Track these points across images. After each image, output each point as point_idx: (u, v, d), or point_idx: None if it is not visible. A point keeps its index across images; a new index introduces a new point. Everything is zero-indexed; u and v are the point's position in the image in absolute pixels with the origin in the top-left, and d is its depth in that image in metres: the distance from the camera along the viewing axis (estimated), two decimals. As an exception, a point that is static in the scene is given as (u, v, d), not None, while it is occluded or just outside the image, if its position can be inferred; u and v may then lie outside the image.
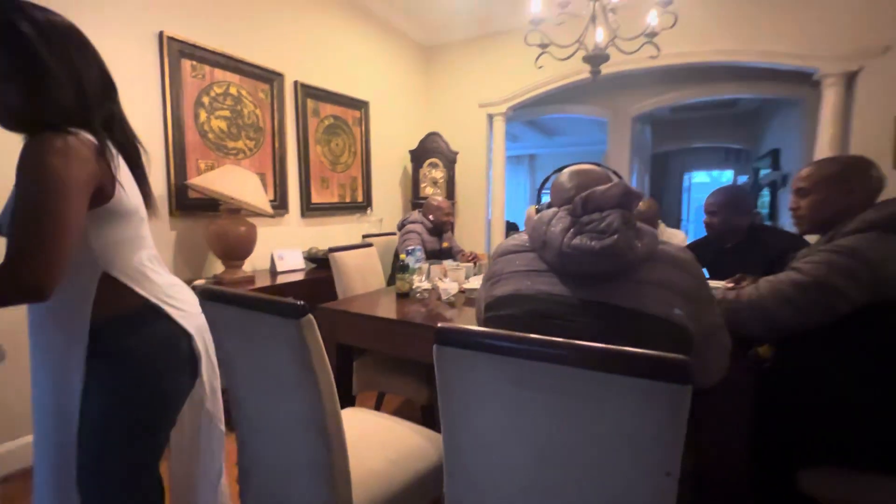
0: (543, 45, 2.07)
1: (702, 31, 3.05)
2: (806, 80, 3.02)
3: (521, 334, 0.58)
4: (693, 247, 2.12)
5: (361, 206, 3.56)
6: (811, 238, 1.35)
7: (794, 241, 1.79)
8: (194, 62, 2.32)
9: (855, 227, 1.08)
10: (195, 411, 1.04)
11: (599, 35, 2.00)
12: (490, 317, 0.95)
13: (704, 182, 9.88)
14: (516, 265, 0.95)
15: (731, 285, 1.67)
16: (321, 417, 0.85)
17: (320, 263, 2.79)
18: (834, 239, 1.12)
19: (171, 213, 2.25)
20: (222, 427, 1.09)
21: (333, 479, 0.88)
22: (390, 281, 2.47)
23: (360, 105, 3.50)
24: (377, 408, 2.08)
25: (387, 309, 1.76)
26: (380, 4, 3.55)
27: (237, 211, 2.29)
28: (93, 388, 0.85)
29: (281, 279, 2.49)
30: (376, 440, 1.17)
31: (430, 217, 2.63)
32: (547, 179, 1.40)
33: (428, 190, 3.90)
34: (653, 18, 1.93)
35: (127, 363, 0.87)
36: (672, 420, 0.51)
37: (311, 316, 0.81)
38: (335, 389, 0.87)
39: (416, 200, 3.88)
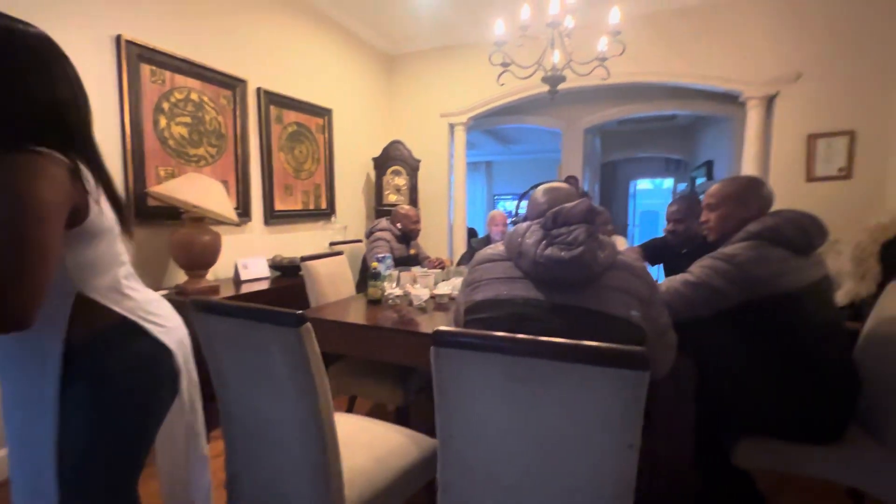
0: (505, 64, 2.21)
1: (645, 55, 3.34)
2: (734, 100, 3.38)
3: (511, 335, 0.68)
4: (653, 248, 2.29)
5: (325, 213, 3.55)
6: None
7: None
8: (154, 67, 2.26)
9: (740, 236, 1.30)
10: (177, 427, 1.03)
11: (556, 57, 2.16)
12: (471, 319, 1.05)
13: (648, 189, 10.58)
14: (494, 273, 1.05)
15: None
16: (318, 420, 0.91)
17: (285, 271, 2.78)
18: (726, 247, 1.32)
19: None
20: (205, 441, 1.09)
21: (328, 478, 0.93)
22: (359, 288, 2.51)
23: (324, 112, 3.51)
24: (349, 411, 2.11)
25: (360, 315, 1.82)
26: (343, 13, 3.58)
27: (200, 219, 2.25)
28: (70, 412, 0.83)
29: (246, 288, 2.46)
30: (361, 441, 1.22)
31: (399, 225, 2.69)
32: (525, 193, 1.52)
33: (391, 197, 3.96)
34: (603, 45, 2.12)
35: (106, 384, 0.85)
36: (634, 400, 0.63)
37: (309, 324, 0.87)
38: (329, 393, 0.93)
39: (379, 207, 3.92)
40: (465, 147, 4.23)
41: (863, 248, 2.28)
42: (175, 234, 2.20)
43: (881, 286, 2.26)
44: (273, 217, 3.06)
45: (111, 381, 0.86)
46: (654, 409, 1.19)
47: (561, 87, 3.22)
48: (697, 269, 1.30)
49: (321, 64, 3.47)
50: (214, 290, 2.28)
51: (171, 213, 2.27)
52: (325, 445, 0.92)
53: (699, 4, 3.20)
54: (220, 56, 2.62)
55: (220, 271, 2.65)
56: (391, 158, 3.96)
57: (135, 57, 2.16)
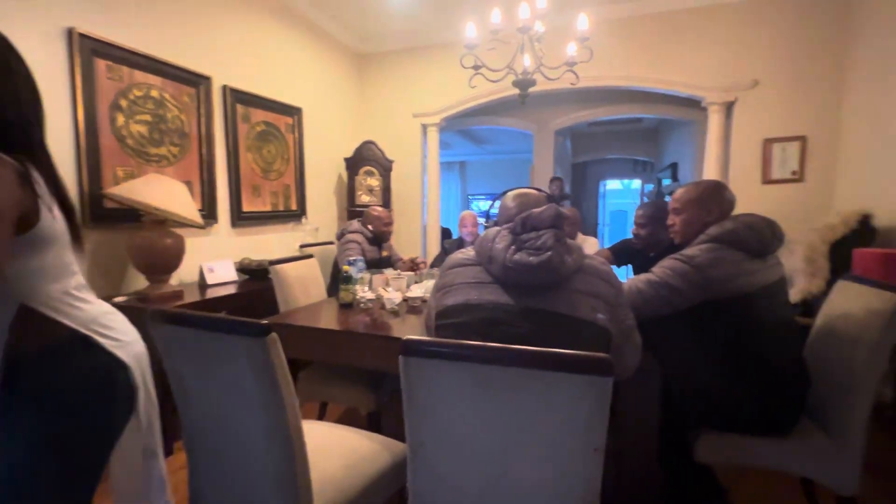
0: (476, 67, 2.22)
1: (612, 60, 3.43)
2: (697, 105, 3.51)
3: (479, 343, 0.68)
4: (622, 248, 2.34)
5: (296, 214, 3.48)
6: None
7: None
8: (110, 62, 2.15)
9: (701, 239, 1.37)
10: (133, 449, 0.97)
11: (527, 61, 2.19)
12: (442, 324, 1.05)
13: (617, 189, 10.87)
14: (465, 277, 1.05)
15: None
16: (286, 431, 0.89)
17: (254, 275, 2.70)
18: (687, 249, 1.38)
19: (83, 225, 2.06)
20: (163, 461, 1.04)
21: (297, 491, 0.91)
22: (331, 291, 2.47)
23: (293, 111, 3.43)
24: (320, 417, 2.08)
25: (332, 320, 1.79)
26: (313, 10, 3.51)
27: (162, 222, 2.16)
28: (12, 433, 0.78)
29: (212, 293, 2.38)
30: (331, 448, 1.20)
31: (370, 227, 2.66)
32: (496, 199, 1.54)
33: (364, 198, 3.91)
34: (572, 50, 2.16)
35: (53, 401, 0.80)
36: (599, 406, 0.64)
37: (275, 334, 0.85)
38: (297, 402, 0.91)
39: (351, 208, 3.87)
40: (438, 147, 4.22)
41: (813, 248, 2.42)
42: (135, 238, 2.10)
43: (830, 283, 2.41)
44: (241, 219, 2.97)
45: (60, 399, 0.81)
46: (620, 408, 1.22)
47: (532, 90, 3.27)
48: (659, 269, 1.34)
49: (290, 62, 3.40)
50: (178, 295, 2.19)
51: (131, 216, 2.17)
52: (293, 457, 0.90)
53: (664, 12, 3.30)
54: (184, 52, 2.53)
55: (184, 275, 2.56)
56: (364, 159, 3.91)
57: (89, 51, 2.06)
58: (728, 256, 1.30)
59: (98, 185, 2.11)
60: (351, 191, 3.93)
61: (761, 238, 1.33)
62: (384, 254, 2.80)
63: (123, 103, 2.22)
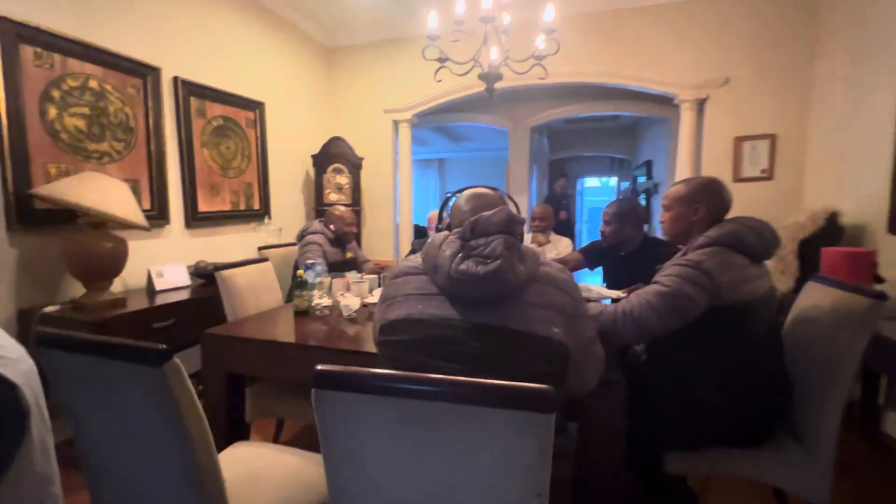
0: (442, 60, 2.11)
1: (585, 56, 3.37)
2: (670, 102, 3.48)
3: (401, 373, 0.58)
4: (592, 249, 2.27)
5: (258, 214, 3.31)
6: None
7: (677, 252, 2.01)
8: (38, 49, 1.96)
9: (701, 242, 1.27)
10: (25, 476, 0.85)
11: (494, 54, 2.09)
12: (383, 341, 0.94)
13: (596, 186, 10.94)
14: (409, 288, 0.95)
15: (625, 294, 1.84)
16: (196, 472, 0.77)
17: (211, 279, 2.53)
18: (687, 253, 1.30)
19: (9, 228, 1.88)
20: (58, 490, 0.91)
21: (212, 535, 0.80)
22: (291, 296, 2.33)
23: (255, 106, 3.26)
24: (277, 433, 1.95)
25: (284, 330, 1.66)
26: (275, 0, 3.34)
27: (101, 224, 1.98)
28: None
29: (161, 299, 2.21)
30: (268, 477, 1.09)
31: (332, 227, 2.53)
32: (448, 200, 1.42)
33: (332, 196, 3.77)
34: (540, 43, 2.07)
35: None
36: (539, 446, 0.55)
37: (176, 361, 0.72)
38: (210, 438, 0.79)
39: (319, 207, 3.72)
40: (409, 144, 4.10)
41: (783, 246, 2.39)
42: (70, 242, 1.93)
43: (800, 281, 2.40)
44: (196, 219, 2.80)
45: None
46: (585, 420, 1.14)
47: (503, 85, 3.17)
48: (666, 278, 1.22)
49: (251, 53, 3.22)
50: (119, 303, 2.02)
51: (65, 218, 1.99)
52: (208, 497, 0.78)
53: (636, 7, 3.25)
54: (128, 40, 2.34)
55: (131, 280, 2.38)
56: (332, 156, 3.76)
57: (12, 36, 1.87)
58: (734, 261, 1.21)
59: (27, 183, 1.93)
60: (319, 189, 3.78)
61: (764, 242, 1.25)
62: (349, 255, 2.67)
63: (56, 94, 2.03)
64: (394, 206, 4.12)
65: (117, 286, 2.26)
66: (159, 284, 2.37)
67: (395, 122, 4.03)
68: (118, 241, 2.04)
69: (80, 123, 2.14)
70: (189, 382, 0.76)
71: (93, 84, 2.19)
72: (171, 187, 2.63)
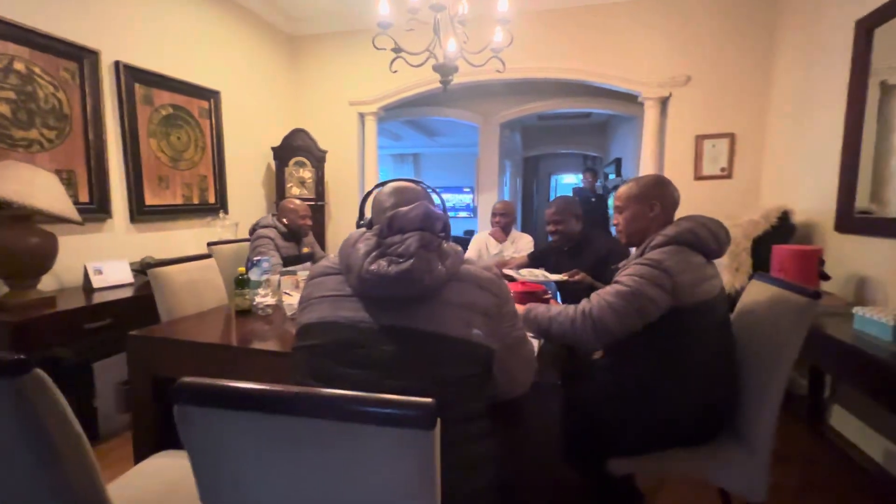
0: (396, 50, 2.04)
1: (552, 52, 3.35)
2: (636, 100, 3.49)
3: (268, 387, 0.52)
4: (538, 255, 2.31)
5: (214, 208, 3.18)
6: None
7: (615, 244, 2.04)
8: (-48, 26, 1.80)
9: (659, 241, 1.24)
10: None
11: (452, 46, 2.03)
12: (298, 347, 0.88)
13: (572, 183, 11.03)
14: (325, 289, 0.88)
15: (566, 277, 1.85)
16: (71, 494, 0.69)
17: (156, 276, 2.41)
18: (645, 251, 1.27)
19: (-82, 222, 1.73)
20: None
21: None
22: (240, 294, 2.23)
23: (209, 95, 3.11)
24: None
25: (220, 331, 1.57)
26: (230, -17, 3.19)
27: (25, 218, 1.84)
28: None
29: (100, 297, 2.09)
30: (178, 492, 1.01)
31: (285, 221, 2.43)
32: (369, 193, 1.35)
33: (294, 190, 3.65)
34: (497, 35, 2.03)
35: None
36: (421, 465, 0.50)
37: (37, 372, 0.64)
38: (89, 456, 0.72)
39: (281, 202, 3.60)
40: (376, 138, 4.01)
41: (737, 243, 2.43)
42: (-12, 237, 1.78)
43: (752, 279, 2.44)
44: (143, 213, 2.65)
45: None
46: (516, 423, 1.10)
47: (464, 79, 3.12)
48: (627, 277, 1.18)
49: (205, 39, 3.07)
50: (48, 302, 1.89)
51: (-16, 210, 1.84)
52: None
53: (601, 4, 3.24)
54: (60, 20, 2.18)
55: (66, 278, 2.23)
56: (294, 148, 3.64)
57: (-81, 11, 1.70)
58: (692, 260, 1.19)
59: (-60, 173, 1.77)
60: (280, 183, 3.65)
61: (718, 240, 1.24)
62: (304, 250, 2.58)
63: (-26, 77, 1.88)
64: (360, 202, 4.02)
65: (49, 284, 2.12)
66: (98, 282, 2.23)
67: (361, 115, 3.93)
68: (46, 235, 1.90)
69: (5, 109, 1.98)
70: (58, 396, 0.68)
71: (19, 66, 2.03)
72: (113, 179, 2.48)
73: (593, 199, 5.07)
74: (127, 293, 2.21)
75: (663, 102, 3.27)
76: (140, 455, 1.44)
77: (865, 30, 2.08)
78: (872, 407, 1.95)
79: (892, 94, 2.00)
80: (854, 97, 2.14)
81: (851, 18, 2.15)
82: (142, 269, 2.45)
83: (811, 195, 2.48)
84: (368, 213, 1.00)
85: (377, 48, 1.91)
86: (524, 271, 1.97)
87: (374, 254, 0.82)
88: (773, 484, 1.23)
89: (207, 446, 0.55)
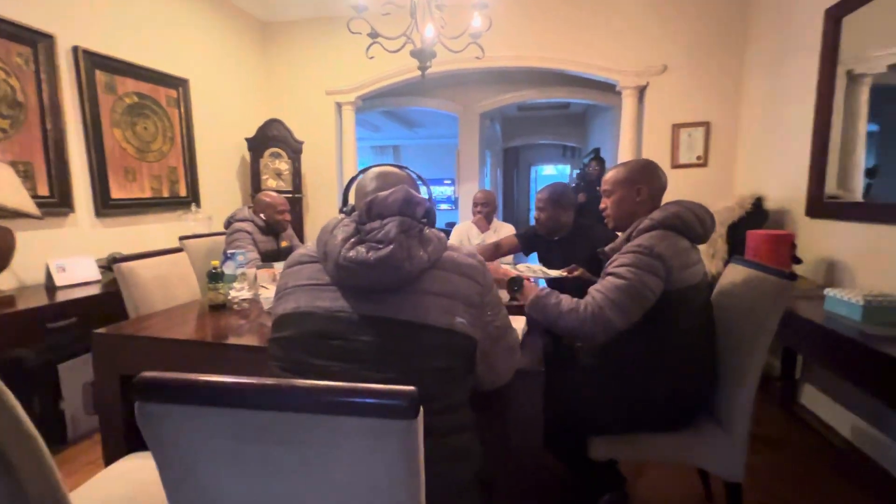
0: (372, 35, 1.98)
1: (531, 40, 3.32)
2: (614, 90, 3.51)
3: (237, 379, 0.48)
4: (528, 233, 2.24)
5: (185, 201, 3.06)
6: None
7: (610, 235, 2.01)
8: None
9: (647, 225, 1.24)
10: None
11: (429, 31, 1.98)
12: (272, 339, 0.84)
13: (552, 175, 11.10)
14: (302, 278, 0.85)
15: (565, 273, 1.83)
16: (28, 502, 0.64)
17: (124, 272, 2.31)
18: (632, 236, 1.27)
19: None
20: None
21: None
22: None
23: (178, 83, 2.98)
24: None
25: (192, 326, 1.51)
26: (197, -34, 3.05)
27: (-22, 212, 1.73)
28: None
29: (63, 295, 1.98)
30: (147, 496, 0.96)
31: (262, 215, 2.36)
32: (353, 179, 1.31)
33: (270, 182, 3.55)
34: (476, 21, 1.99)
35: None
36: (403, 456, 0.47)
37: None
38: (46, 461, 0.67)
39: (257, 194, 3.49)
40: (354, 128, 3.93)
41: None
42: (-63, 233, 1.67)
43: (728, 264, 2.50)
44: (109, 207, 2.53)
45: None
46: (500, 412, 1.09)
47: (443, 67, 3.07)
48: (623, 269, 1.17)
49: (171, 23, 2.93)
50: (6, 301, 1.79)
51: (-68, 205, 1.71)
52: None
53: (579, -9, 3.23)
54: (12, 1, 2.04)
55: (27, 276, 2.12)
56: (269, 139, 3.53)
57: None
58: (680, 244, 1.20)
59: None
60: (255, 175, 3.55)
61: (703, 225, 1.25)
62: (283, 244, 2.51)
63: (-86, 60, 1.74)
64: (339, 193, 3.95)
65: (7, 282, 2.00)
66: (61, 280, 2.12)
67: (339, 105, 3.84)
68: (2, 230, 1.78)
69: (-49, 96, 1.85)
70: (9, 400, 0.63)
71: (-35, 50, 1.89)
72: (75, 171, 2.35)
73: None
74: (94, 291, 2.11)
75: (641, 91, 3.29)
76: (110, 458, 1.38)
77: (834, 19, 2.12)
78: (841, 385, 2.02)
79: (857, 83, 2.05)
80: (823, 86, 2.19)
81: (821, 7, 2.19)
82: (109, 265, 2.34)
83: (783, 182, 2.54)
84: (352, 200, 0.96)
85: (353, 32, 1.86)
86: (521, 266, 1.93)
87: (352, 240, 0.79)
88: (748, 464, 1.26)
89: (173, 446, 0.51)
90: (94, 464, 1.80)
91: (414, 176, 1.01)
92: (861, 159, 2.05)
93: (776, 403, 2.32)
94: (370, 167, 0.99)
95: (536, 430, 1.07)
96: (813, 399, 2.21)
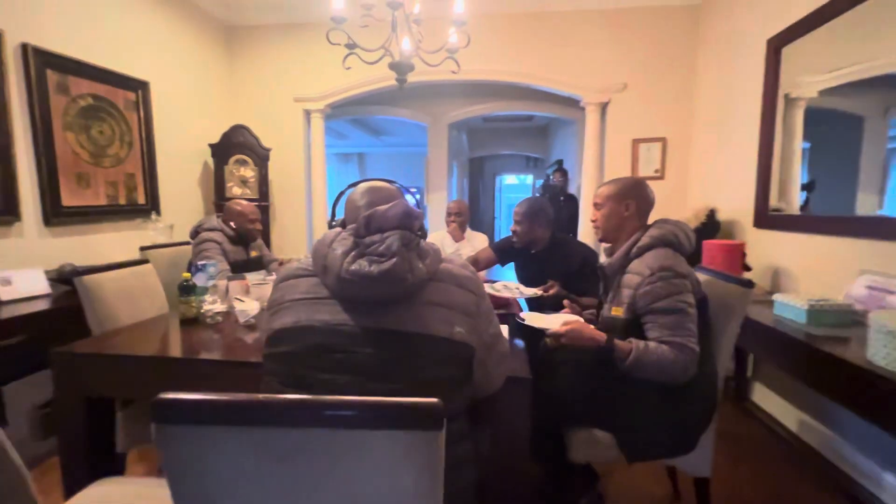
0: (350, 46, 1.99)
1: (501, 55, 3.43)
2: (577, 105, 3.67)
3: (260, 397, 0.48)
4: (504, 246, 2.27)
5: (144, 209, 2.91)
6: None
7: (588, 252, 2.08)
8: None
9: (646, 243, 1.30)
10: None
11: (406, 44, 2.01)
12: (269, 354, 0.83)
13: (514, 184, 11.36)
14: (298, 292, 0.84)
15: (540, 292, 1.85)
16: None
17: (78, 285, 2.16)
18: (632, 254, 1.32)
19: None
20: None
21: None
22: (180, 302, 2.06)
23: (137, 85, 2.85)
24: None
25: (164, 342, 1.45)
26: (158, -35, 2.94)
27: (-87, 221, 1.58)
28: None
29: (9, 311, 1.83)
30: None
31: (232, 224, 2.29)
32: (342, 194, 1.30)
33: (236, 190, 3.44)
34: (453, 36, 2.04)
35: None
36: (429, 467, 0.49)
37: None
38: (19, 485, 0.63)
39: (221, 202, 3.37)
40: (323, 136, 3.88)
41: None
42: None
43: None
44: (59, 215, 2.37)
45: None
46: (491, 421, 1.12)
47: (417, 78, 3.11)
48: (665, 302, 1.19)
49: (129, 23, 2.80)
50: (-57, 319, 1.63)
51: None
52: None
53: (548, 12, 3.37)
54: (-50, -7, 1.89)
55: (-35, 291, 1.94)
56: (234, 145, 3.43)
57: None
58: (684, 261, 1.29)
59: None
60: (220, 182, 3.43)
61: (690, 242, 1.34)
62: (253, 254, 2.44)
63: None
64: (307, 202, 3.88)
65: (-57, 298, 1.83)
66: (6, 294, 1.96)
67: (307, 112, 3.78)
68: (-60, 242, 1.64)
69: None
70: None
71: None
72: (21, 177, 2.19)
73: (562, 199, 4.90)
74: (43, 305, 1.96)
75: (603, 107, 3.47)
76: (72, 487, 1.28)
77: (775, 48, 2.34)
78: (789, 383, 2.20)
79: (794, 106, 2.27)
80: (766, 108, 2.40)
81: (763, 38, 2.41)
82: (60, 278, 2.19)
83: (733, 195, 2.75)
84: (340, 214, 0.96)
85: (332, 43, 1.86)
86: (498, 285, 1.95)
87: (352, 254, 0.80)
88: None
89: (189, 467, 0.50)
90: (45, 493, 1.66)
91: (403, 190, 1.03)
92: (797, 174, 2.26)
93: (729, 400, 2.49)
94: (359, 182, 1.00)
95: (524, 436, 1.11)
96: (763, 396, 2.39)
